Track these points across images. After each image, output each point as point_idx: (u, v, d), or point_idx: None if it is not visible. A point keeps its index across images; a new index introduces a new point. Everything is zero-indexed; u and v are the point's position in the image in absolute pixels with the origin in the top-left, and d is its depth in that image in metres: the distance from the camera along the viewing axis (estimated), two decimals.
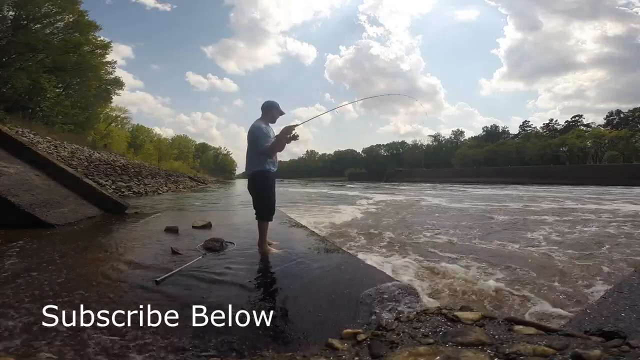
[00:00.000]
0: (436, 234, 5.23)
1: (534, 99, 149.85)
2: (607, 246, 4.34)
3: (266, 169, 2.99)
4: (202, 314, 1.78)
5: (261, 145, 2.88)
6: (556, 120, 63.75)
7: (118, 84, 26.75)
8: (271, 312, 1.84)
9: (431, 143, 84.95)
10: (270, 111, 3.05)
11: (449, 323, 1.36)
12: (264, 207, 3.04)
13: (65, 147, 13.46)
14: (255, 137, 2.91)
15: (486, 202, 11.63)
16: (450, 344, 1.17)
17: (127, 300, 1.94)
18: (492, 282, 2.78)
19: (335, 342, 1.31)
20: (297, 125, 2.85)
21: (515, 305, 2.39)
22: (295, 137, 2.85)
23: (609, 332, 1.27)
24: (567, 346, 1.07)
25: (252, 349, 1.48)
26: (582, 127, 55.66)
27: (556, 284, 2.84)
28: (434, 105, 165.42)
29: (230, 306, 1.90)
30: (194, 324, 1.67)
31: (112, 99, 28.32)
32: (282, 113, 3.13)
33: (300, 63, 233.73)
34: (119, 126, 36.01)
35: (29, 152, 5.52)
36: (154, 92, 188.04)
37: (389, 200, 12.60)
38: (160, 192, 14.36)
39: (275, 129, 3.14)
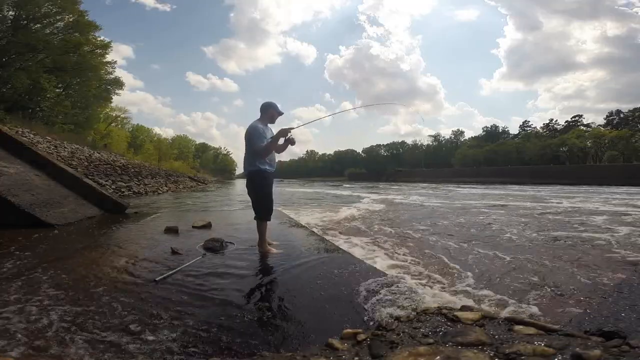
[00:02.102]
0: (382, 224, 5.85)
1: (534, 99, 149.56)
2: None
3: (262, 169, 3.00)
4: (202, 314, 1.79)
5: (254, 145, 2.91)
6: (556, 120, 63.62)
7: (118, 84, 26.72)
8: (271, 312, 1.84)
9: (431, 143, 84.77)
10: (269, 111, 3.08)
11: (449, 323, 1.36)
12: (262, 207, 3.06)
13: (65, 147, 13.45)
14: (250, 136, 2.94)
15: (453, 200, 12.28)
16: (450, 344, 1.17)
17: (126, 299, 1.93)
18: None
19: (335, 342, 1.31)
20: (292, 128, 2.94)
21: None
22: (291, 142, 2.96)
23: (609, 332, 1.26)
24: (567, 346, 1.06)
25: (252, 349, 1.48)
26: (582, 127, 55.57)
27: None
28: (434, 105, 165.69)
29: (229, 306, 1.90)
30: (193, 324, 1.67)
31: (112, 99, 28.28)
32: (280, 113, 3.14)
33: (300, 63, 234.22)
34: (119, 126, 35.98)
35: (29, 152, 5.52)
36: (154, 92, 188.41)
37: (375, 198, 13.58)
38: (160, 192, 14.36)
39: (274, 129, 3.17)
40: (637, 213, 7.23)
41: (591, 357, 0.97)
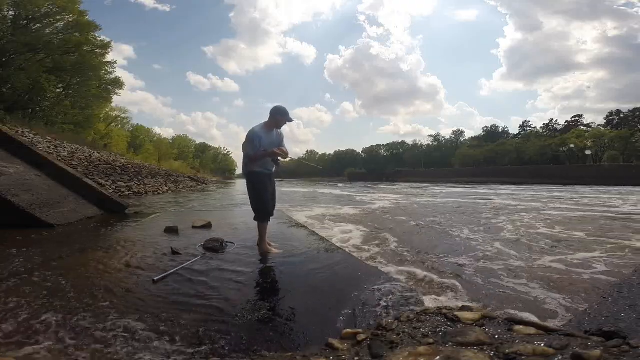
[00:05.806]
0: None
1: (534, 99, 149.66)
2: None
3: (257, 171, 3.04)
4: (201, 314, 1.78)
5: (244, 150, 3.02)
6: (556, 121, 63.52)
7: (118, 84, 26.74)
8: (271, 312, 1.84)
9: (431, 143, 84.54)
10: (275, 117, 3.03)
11: (449, 323, 1.36)
12: (258, 207, 3.09)
13: (65, 147, 13.45)
14: (245, 142, 3.00)
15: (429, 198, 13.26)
16: (450, 344, 1.17)
17: (125, 299, 1.93)
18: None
19: (335, 342, 1.30)
20: (279, 155, 3.02)
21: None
22: (277, 162, 3.09)
23: (609, 332, 1.26)
24: (567, 346, 1.06)
25: (252, 349, 1.47)
26: (582, 127, 55.49)
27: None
28: (434, 105, 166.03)
29: (229, 306, 1.90)
30: (192, 324, 1.66)
31: (112, 99, 28.36)
32: (289, 120, 3.08)
33: (301, 63, 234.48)
34: (119, 126, 36.03)
35: (29, 152, 5.52)
36: (155, 92, 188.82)
37: (371, 197, 14.54)
38: (160, 192, 14.35)
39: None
40: None
41: (591, 357, 0.97)
